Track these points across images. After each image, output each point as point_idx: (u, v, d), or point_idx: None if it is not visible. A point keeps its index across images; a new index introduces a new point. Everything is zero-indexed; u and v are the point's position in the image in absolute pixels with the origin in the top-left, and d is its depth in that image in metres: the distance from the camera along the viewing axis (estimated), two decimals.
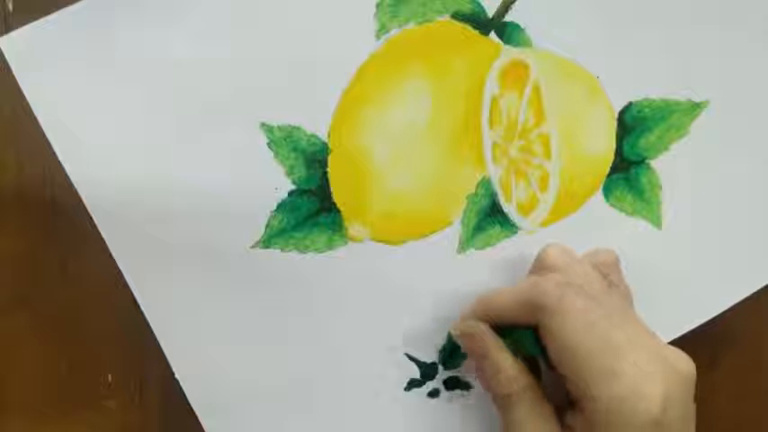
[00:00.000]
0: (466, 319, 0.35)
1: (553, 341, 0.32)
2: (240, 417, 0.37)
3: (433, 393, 0.38)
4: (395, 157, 0.36)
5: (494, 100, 0.37)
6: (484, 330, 0.34)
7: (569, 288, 0.32)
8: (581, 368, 0.31)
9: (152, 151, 0.35)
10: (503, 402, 0.33)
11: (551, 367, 0.33)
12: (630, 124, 0.38)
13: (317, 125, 0.36)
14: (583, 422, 0.31)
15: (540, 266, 0.35)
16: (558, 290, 0.32)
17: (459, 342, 0.35)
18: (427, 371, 0.38)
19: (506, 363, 0.33)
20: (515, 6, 0.37)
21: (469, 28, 0.36)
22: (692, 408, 0.32)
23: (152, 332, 0.36)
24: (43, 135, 0.34)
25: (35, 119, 0.34)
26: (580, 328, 0.31)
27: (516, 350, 0.34)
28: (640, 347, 0.31)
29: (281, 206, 0.36)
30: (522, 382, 0.33)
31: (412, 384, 0.38)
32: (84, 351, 0.36)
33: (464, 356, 0.38)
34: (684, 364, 0.32)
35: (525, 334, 0.33)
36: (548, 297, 0.32)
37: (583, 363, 0.31)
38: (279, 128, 0.35)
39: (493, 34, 0.37)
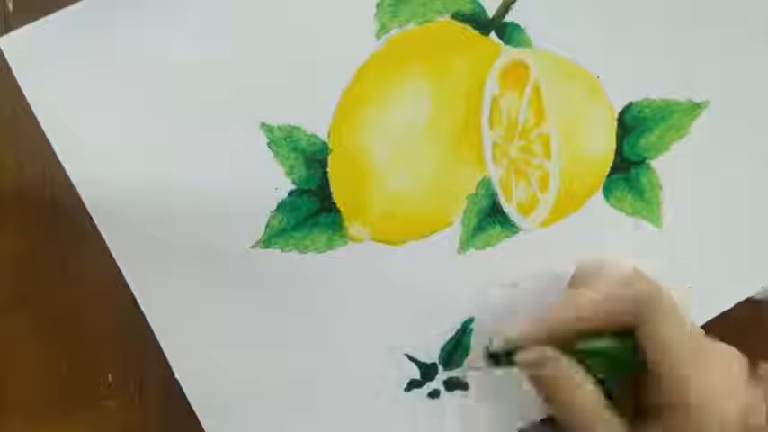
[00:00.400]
0: (529, 333, 0.32)
1: (653, 344, 0.31)
2: (240, 417, 0.37)
3: (433, 394, 0.38)
4: (395, 157, 0.36)
5: (494, 100, 0.37)
6: (552, 353, 0.31)
7: (663, 293, 0.32)
8: (684, 364, 0.30)
9: (152, 151, 0.35)
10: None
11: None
12: (631, 124, 0.38)
13: (317, 125, 0.36)
14: (670, 428, 0.31)
15: (580, 282, 0.35)
16: (656, 293, 0.31)
17: (533, 373, 0.32)
18: (427, 371, 0.38)
19: (588, 392, 0.31)
20: (515, 6, 0.37)
21: (470, 28, 0.36)
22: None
23: (152, 332, 0.36)
24: (43, 135, 0.34)
25: (35, 119, 0.34)
26: (682, 325, 0.31)
27: (606, 369, 0.32)
28: (710, 342, 0.32)
29: (281, 206, 0.36)
30: (601, 416, 0.31)
31: (412, 384, 0.38)
32: (84, 351, 0.36)
33: (464, 356, 0.38)
34: (741, 362, 0.33)
35: (625, 343, 0.31)
36: (648, 300, 0.31)
37: (686, 360, 0.30)
38: (279, 128, 0.35)
39: (493, 34, 0.37)
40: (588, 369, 0.31)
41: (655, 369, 0.31)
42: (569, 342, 0.32)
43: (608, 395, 0.32)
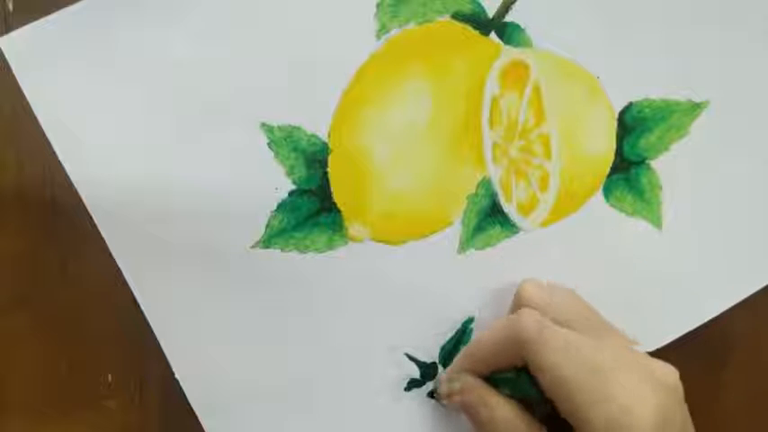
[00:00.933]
0: (451, 376, 0.36)
1: (541, 374, 0.32)
2: (240, 417, 0.37)
3: (434, 393, 0.38)
4: (395, 157, 0.36)
5: (494, 100, 0.37)
6: (472, 380, 0.35)
7: (546, 321, 0.32)
8: (572, 396, 0.31)
9: (152, 151, 0.35)
10: None
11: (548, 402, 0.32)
12: (631, 124, 0.38)
13: (318, 125, 0.36)
14: None
15: (518, 303, 0.36)
16: (536, 323, 0.32)
17: (446, 402, 0.36)
18: (427, 371, 0.38)
19: (501, 405, 0.33)
20: (515, 6, 0.37)
21: (470, 28, 0.36)
22: (687, 419, 0.32)
23: (152, 332, 0.36)
24: (43, 135, 0.34)
25: (35, 119, 0.34)
26: (564, 357, 0.31)
27: (513, 395, 0.34)
28: (627, 367, 0.31)
29: (281, 206, 0.36)
30: (523, 425, 0.33)
31: (412, 384, 0.38)
32: (84, 351, 0.36)
33: None
34: (672, 376, 0.32)
35: (520, 376, 0.33)
36: (528, 331, 0.32)
37: (573, 391, 0.31)
38: (279, 128, 0.35)
39: (493, 34, 0.37)
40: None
41: (552, 398, 0.32)
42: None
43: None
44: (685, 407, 0.32)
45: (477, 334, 0.36)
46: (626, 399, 0.30)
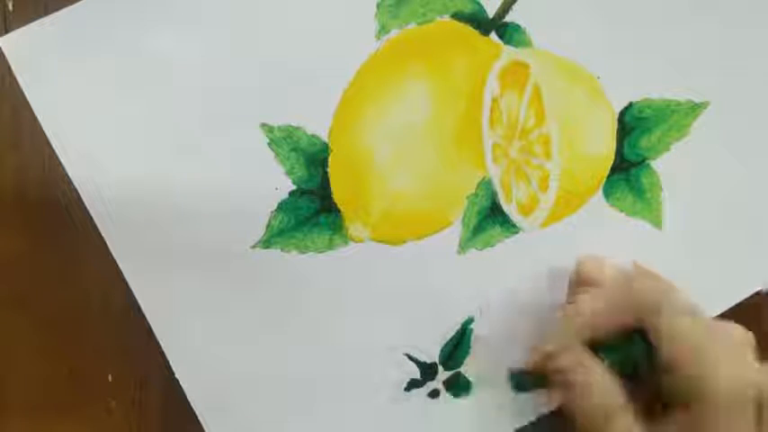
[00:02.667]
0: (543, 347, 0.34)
1: (663, 335, 0.31)
2: (240, 417, 0.37)
3: (434, 394, 0.38)
4: (395, 157, 0.36)
5: (494, 100, 0.37)
6: (575, 344, 0.33)
7: (659, 285, 0.32)
8: (697, 357, 0.30)
9: (152, 151, 0.35)
10: (603, 415, 0.32)
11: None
12: (631, 124, 0.38)
13: (318, 125, 0.36)
14: (688, 421, 0.30)
15: (579, 283, 0.35)
16: (656, 285, 0.32)
17: (540, 368, 0.34)
18: (427, 371, 0.38)
19: (602, 373, 0.32)
20: (516, 7, 0.37)
21: (470, 28, 0.36)
22: None
23: (152, 332, 0.36)
24: (43, 135, 0.34)
25: (35, 119, 0.34)
26: (689, 321, 0.31)
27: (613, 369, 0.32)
28: (720, 330, 0.31)
29: (281, 206, 0.36)
30: (620, 399, 0.32)
31: (412, 384, 0.38)
32: (84, 351, 0.36)
33: (464, 356, 0.38)
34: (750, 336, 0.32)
35: (635, 347, 0.32)
36: (650, 294, 0.32)
37: (699, 351, 0.30)
38: (279, 128, 0.35)
39: (493, 34, 0.37)
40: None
41: (669, 364, 0.31)
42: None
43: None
44: None
45: (577, 297, 0.33)
46: (737, 362, 0.30)
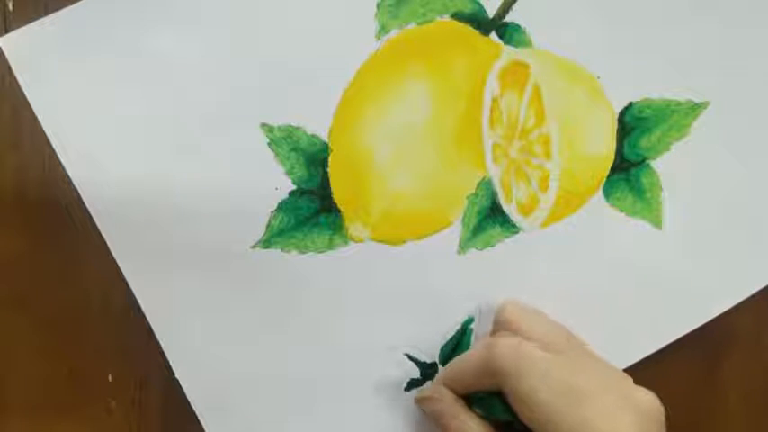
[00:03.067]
0: (431, 387, 0.36)
1: (518, 402, 0.32)
2: (240, 417, 0.37)
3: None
4: (395, 157, 0.36)
5: (494, 100, 0.37)
6: (447, 393, 0.35)
7: (523, 347, 0.32)
8: (550, 423, 0.31)
9: (152, 151, 0.35)
10: None
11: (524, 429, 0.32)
12: (631, 124, 0.38)
13: (318, 125, 0.36)
14: None
15: (497, 323, 0.36)
16: (512, 351, 0.32)
17: (424, 408, 0.36)
18: (427, 371, 0.38)
19: (471, 420, 0.34)
20: (515, 7, 0.37)
21: (470, 28, 0.36)
22: None
23: (152, 332, 0.36)
24: (43, 135, 0.34)
25: (35, 119, 0.34)
26: (541, 384, 0.31)
27: (488, 416, 0.34)
28: (606, 392, 0.31)
29: (281, 206, 0.36)
30: None
31: (412, 384, 0.38)
32: (84, 351, 0.36)
33: None
34: (651, 402, 0.32)
35: (493, 400, 0.33)
36: (503, 361, 0.32)
37: (551, 417, 0.31)
38: (279, 128, 0.35)
39: (493, 34, 0.37)
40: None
41: (527, 424, 0.32)
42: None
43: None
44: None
45: (454, 359, 0.36)
46: (602, 423, 0.30)
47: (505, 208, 0.38)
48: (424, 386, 0.38)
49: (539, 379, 0.31)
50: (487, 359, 0.33)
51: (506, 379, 0.32)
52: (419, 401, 0.36)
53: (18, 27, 0.34)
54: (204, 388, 0.36)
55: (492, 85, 0.37)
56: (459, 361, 0.35)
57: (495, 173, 0.37)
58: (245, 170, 0.35)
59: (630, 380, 0.33)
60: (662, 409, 0.32)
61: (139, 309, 0.36)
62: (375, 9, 0.35)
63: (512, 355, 0.32)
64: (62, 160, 0.35)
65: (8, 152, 0.35)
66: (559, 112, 0.37)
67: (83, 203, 0.35)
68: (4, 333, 0.36)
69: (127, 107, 0.35)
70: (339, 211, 0.36)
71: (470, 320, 0.38)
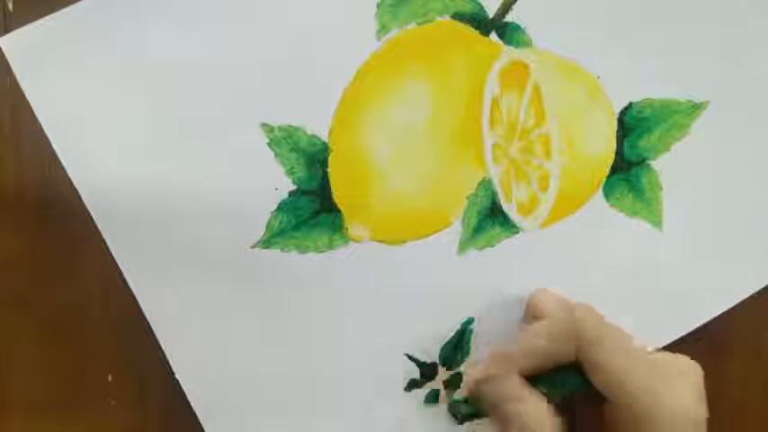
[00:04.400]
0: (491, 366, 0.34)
1: (600, 368, 0.31)
2: (240, 416, 0.37)
3: (433, 394, 0.38)
4: (395, 157, 0.36)
5: (494, 100, 0.37)
6: (514, 373, 0.33)
7: (596, 317, 0.33)
8: (634, 389, 0.31)
9: (152, 151, 0.35)
10: None
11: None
12: (631, 124, 0.38)
13: (318, 125, 0.36)
14: None
15: (533, 314, 0.36)
16: (595, 317, 0.32)
17: (482, 389, 0.33)
18: (427, 371, 0.38)
19: (538, 404, 0.32)
20: (515, 7, 0.37)
21: (470, 28, 0.36)
22: None
23: (152, 332, 0.36)
24: (43, 135, 0.34)
25: (35, 119, 0.34)
26: (626, 352, 0.32)
27: (552, 395, 0.33)
28: (663, 363, 0.32)
29: (281, 206, 0.36)
30: (553, 421, 0.32)
31: (412, 384, 0.38)
32: (84, 351, 0.36)
33: (464, 356, 0.38)
34: (698, 368, 0.33)
35: (567, 372, 0.32)
36: (589, 326, 0.32)
37: (636, 384, 0.31)
38: (279, 128, 0.35)
39: (493, 34, 0.37)
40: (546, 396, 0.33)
41: (606, 396, 0.32)
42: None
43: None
44: None
45: (523, 331, 0.35)
46: (684, 397, 0.31)
47: (505, 208, 0.38)
48: (424, 386, 0.38)
49: (624, 348, 0.32)
50: (570, 325, 0.32)
51: (590, 343, 0.32)
52: (477, 383, 0.33)
53: (18, 27, 0.34)
54: (204, 388, 0.36)
55: (492, 85, 0.37)
56: (531, 332, 0.33)
57: (495, 173, 0.37)
58: (245, 170, 0.35)
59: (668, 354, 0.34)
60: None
61: (139, 309, 0.36)
62: (375, 9, 0.35)
63: (596, 321, 0.32)
64: (62, 160, 0.35)
65: (8, 152, 0.35)
66: (559, 111, 0.37)
67: (83, 203, 0.35)
68: (4, 333, 0.36)
69: (127, 107, 0.35)
70: (339, 211, 0.36)
71: (470, 320, 0.38)
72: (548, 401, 0.32)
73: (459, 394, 0.38)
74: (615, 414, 0.32)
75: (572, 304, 0.34)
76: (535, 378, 0.33)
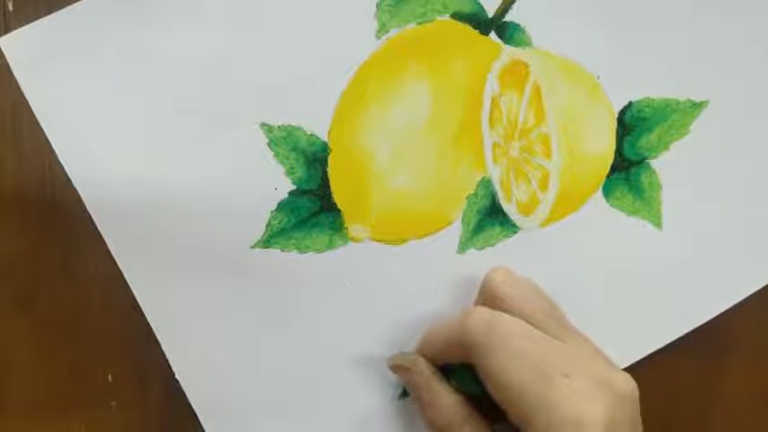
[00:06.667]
0: (406, 355, 0.36)
1: (487, 378, 0.31)
2: (240, 417, 0.37)
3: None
4: (395, 156, 0.36)
5: (494, 100, 0.37)
6: (423, 363, 0.34)
7: (497, 321, 0.32)
8: (519, 401, 0.30)
9: (152, 151, 0.35)
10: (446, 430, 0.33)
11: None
12: (631, 124, 0.38)
13: (317, 125, 0.36)
14: None
15: (483, 296, 0.36)
16: (484, 326, 0.32)
17: (399, 377, 0.36)
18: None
19: (444, 394, 0.33)
20: (515, 6, 0.37)
21: (470, 28, 0.36)
22: (639, 427, 0.31)
23: (152, 332, 0.36)
24: (43, 135, 0.34)
25: (35, 119, 0.34)
26: (512, 361, 0.31)
27: (461, 389, 0.34)
28: (580, 374, 0.31)
29: (281, 206, 0.36)
30: (462, 413, 0.33)
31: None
32: (84, 351, 0.36)
33: None
34: (626, 384, 0.31)
35: (465, 372, 0.33)
36: (475, 335, 0.32)
37: (519, 395, 0.30)
38: (279, 128, 0.36)
39: (493, 34, 0.37)
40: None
41: (497, 401, 0.32)
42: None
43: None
44: (638, 416, 0.31)
45: (432, 325, 0.35)
46: (571, 407, 0.29)
47: (505, 207, 0.38)
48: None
49: (510, 358, 0.31)
50: (461, 330, 0.32)
51: (477, 353, 0.31)
52: (394, 369, 0.36)
53: (18, 27, 0.34)
54: (204, 388, 0.36)
55: (492, 85, 0.37)
56: (434, 329, 0.35)
57: (494, 172, 0.37)
58: (245, 170, 0.35)
59: (607, 359, 0.33)
60: (636, 389, 0.31)
61: (139, 309, 0.36)
62: (375, 9, 0.36)
63: (484, 330, 0.31)
64: (62, 160, 0.35)
65: (8, 152, 0.35)
66: (559, 111, 0.37)
67: (83, 203, 0.35)
68: (4, 333, 0.36)
69: (127, 107, 0.35)
70: (339, 211, 0.36)
71: None
72: (462, 391, 0.33)
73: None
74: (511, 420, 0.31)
75: (465, 310, 0.33)
76: (449, 370, 0.34)
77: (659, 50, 0.38)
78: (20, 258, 0.36)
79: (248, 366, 0.37)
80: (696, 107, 0.38)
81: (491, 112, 0.37)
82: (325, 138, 0.36)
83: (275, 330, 0.37)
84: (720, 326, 0.39)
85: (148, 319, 0.36)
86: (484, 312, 0.33)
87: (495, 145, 0.37)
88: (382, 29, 0.36)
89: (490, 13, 0.36)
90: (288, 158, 0.36)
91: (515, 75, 0.37)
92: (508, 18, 0.37)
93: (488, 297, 0.35)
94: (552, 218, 0.38)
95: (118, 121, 0.35)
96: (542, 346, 0.31)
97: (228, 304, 0.36)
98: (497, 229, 0.38)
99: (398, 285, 0.37)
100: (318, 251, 0.36)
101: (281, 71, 0.35)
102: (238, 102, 0.35)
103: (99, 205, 0.35)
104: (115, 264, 0.35)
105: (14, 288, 0.36)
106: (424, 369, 0.34)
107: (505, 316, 0.32)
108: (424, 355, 0.35)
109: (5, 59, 0.34)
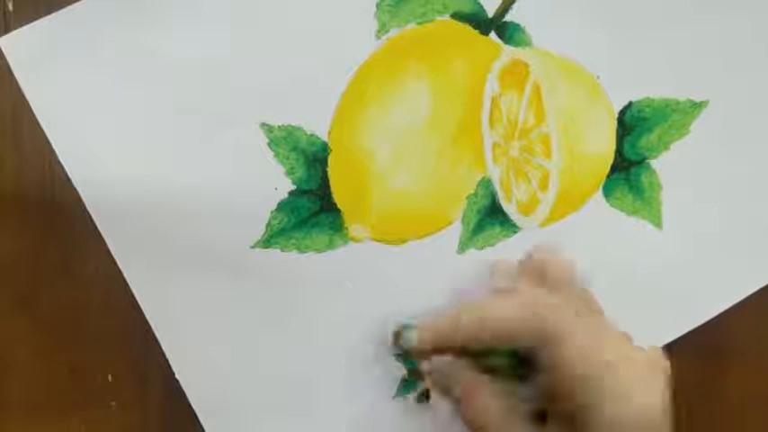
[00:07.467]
0: (436, 363, 0.34)
1: (550, 369, 0.31)
2: (240, 417, 0.37)
3: (426, 392, 0.38)
4: (395, 156, 0.36)
5: (494, 100, 0.37)
6: (465, 370, 0.32)
7: (564, 314, 0.31)
8: (585, 391, 0.30)
9: (152, 151, 0.35)
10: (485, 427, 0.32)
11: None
12: (631, 124, 0.38)
13: (317, 125, 0.36)
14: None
15: (524, 274, 0.34)
16: (555, 316, 0.31)
17: (430, 378, 0.34)
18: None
19: (501, 405, 0.32)
20: (515, 6, 0.37)
21: (470, 28, 0.36)
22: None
23: (152, 332, 0.36)
24: (43, 135, 0.34)
25: (35, 119, 0.34)
26: (578, 354, 0.30)
27: (490, 371, 0.32)
28: (629, 358, 0.31)
29: (281, 206, 0.36)
30: (517, 419, 0.32)
31: (407, 385, 0.38)
32: (84, 351, 0.36)
33: None
34: (664, 358, 0.32)
35: (507, 360, 0.32)
36: (548, 326, 0.31)
37: (585, 386, 0.30)
38: (279, 128, 0.35)
39: (493, 34, 0.37)
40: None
41: (552, 397, 0.31)
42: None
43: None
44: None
45: (468, 304, 0.33)
46: (641, 396, 0.30)
47: (505, 207, 0.38)
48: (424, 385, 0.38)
49: (577, 352, 0.30)
50: (530, 321, 0.31)
51: (547, 346, 0.30)
52: (435, 374, 0.33)
53: (18, 27, 0.34)
54: (204, 388, 0.36)
55: (492, 85, 0.37)
56: (488, 318, 0.32)
57: (494, 172, 0.37)
58: (245, 170, 0.35)
59: (632, 339, 0.33)
60: (668, 363, 0.32)
61: (139, 309, 0.36)
62: (375, 8, 0.36)
63: (556, 322, 0.31)
64: (62, 160, 0.35)
65: (8, 152, 0.35)
66: (559, 111, 0.37)
67: (83, 203, 0.35)
68: (4, 333, 0.36)
69: (127, 107, 0.35)
70: (339, 211, 0.36)
71: None
72: (501, 376, 0.32)
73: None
74: (559, 409, 0.31)
75: (530, 298, 0.32)
76: (485, 352, 0.32)
77: (659, 50, 0.38)
78: (20, 258, 0.36)
79: (248, 366, 0.37)
80: (696, 107, 0.38)
81: (491, 112, 0.37)
82: (325, 138, 0.36)
83: (275, 330, 0.37)
84: (720, 326, 0.39)
85: (148, 318, 0.36)
86: (550, 299, 0.32)
87: (495, 145, 0.37)
88: (382, 29, 0.36)
89: (490, 13, 0.36)
90: (288, 158, 0.36)
91: (515, 75, 0.37)
92: (508, 18, 0.37)
93: (531, 278, 0.33)
94: (552, 218, 0.38)
95: (118, 121, 0.35)
96: (595, 336, 0.31)
97: (228, 304, 0.36)
98: (497, 228, 0.38)
99: (398, 285, 0.37)
100: (318, 251, 0.36)
101: (281, 71, 0.35)
102: (238, 102, 0.35)
103: (99, 205, 0.35)
104: (115, 263, 0.35)
105: (14, 288, 0.36)
106: (458, 367, 0.33)
107: (564, 305, 0.32)
108: (450, 341, 0.32)
109: (5, 59, 0.34)
